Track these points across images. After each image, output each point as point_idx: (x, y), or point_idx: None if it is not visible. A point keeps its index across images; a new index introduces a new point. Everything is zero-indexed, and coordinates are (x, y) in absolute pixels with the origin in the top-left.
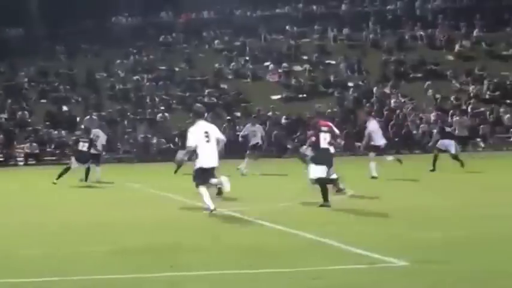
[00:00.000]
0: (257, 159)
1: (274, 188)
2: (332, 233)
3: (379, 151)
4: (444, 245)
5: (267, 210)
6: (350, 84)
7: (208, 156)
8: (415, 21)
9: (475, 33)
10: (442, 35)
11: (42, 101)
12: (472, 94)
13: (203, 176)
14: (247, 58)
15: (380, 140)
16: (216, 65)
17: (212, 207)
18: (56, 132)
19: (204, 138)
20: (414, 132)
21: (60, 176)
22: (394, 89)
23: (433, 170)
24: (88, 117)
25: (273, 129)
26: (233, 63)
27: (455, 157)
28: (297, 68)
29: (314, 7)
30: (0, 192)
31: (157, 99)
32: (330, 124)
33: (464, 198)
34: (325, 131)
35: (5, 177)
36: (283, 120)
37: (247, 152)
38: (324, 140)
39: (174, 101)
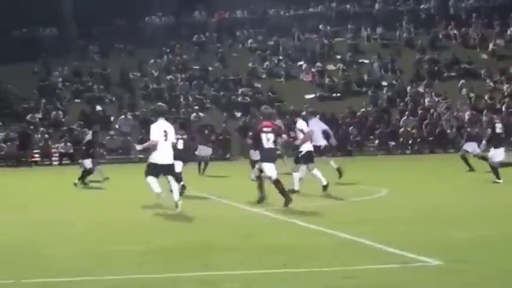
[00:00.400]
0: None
1: (307, 187)
2: (365, 232)
3: (318, 152)
4: (475, 244)
5: (300, 210)
6: (384, 83)
7: (162, 154)
8: (449, 20)
9: (509, 31)
10: (475, 33)
11: (76, 100)
12: (506, 93)
13: (155, 171)
14: (280, 57)
15: (320, 140)
16: (250, 65)
17: (159, 190)
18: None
19: (163, 137)
20: (448, 131)
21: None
22: (427, 88)
23: (471, 170)
24: (123, 116)
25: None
26: (267, 63)
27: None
28: (331, 67)
29: (347, 6)
30: (35, 191)
31: (191, 98)
32: (273, 124)
33: (496, 197)
34: (267, 132)
35: (40, 176)
36: None
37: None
38: (268, 140)
39: (207, 101)
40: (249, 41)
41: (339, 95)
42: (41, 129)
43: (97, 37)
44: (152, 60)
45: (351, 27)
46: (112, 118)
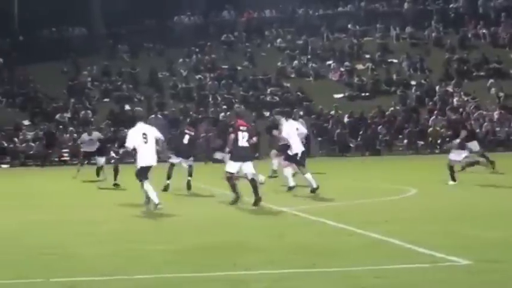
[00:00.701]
0: None
1: (336, 187)
2: (395, 232)
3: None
4: (505, 243)
5: (330, 209)
6: (412, 82)
7: (146, 156)
8: (478, 19)
9: None
10: (505, 33)
11: (105, 100)
12: None
13: (144, 173)
14: (309, 57)
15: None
16: (279, 64)
17: (157, 201)
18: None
19: (143, 140)
20: (477, 130)
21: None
22: (456, 87)
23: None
24: (153, 116)
25: (336, 128)
26: (295, 62)
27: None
28: (360, 66)
29: (376, 5)
30: (63, 191)
31: (219, 98)
32: (247, 124)
33: None
34: (243, 130)
35: (67, 175)
36: (345, 119)
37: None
38: (242, 138)
39: (236, 100)
40: (278, 40)
41: (367, 94)
42: (70, 128)
43: (126, 37)
44: (181, 60)
45: (379, 26)
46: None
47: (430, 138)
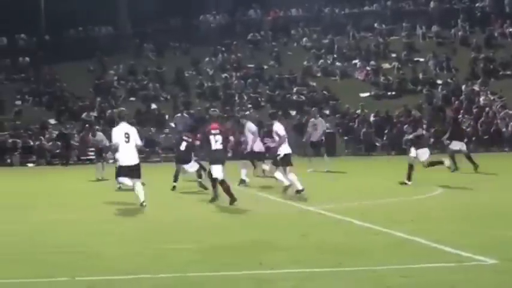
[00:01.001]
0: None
1: (362, 186)
2: (420, 231)
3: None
4: None
5: (356, 208)
6: (439, 81)
7: (126, 155)
8: (504, 18)
9: None
10: None
11: (131, 99)
12: None
13: (124, 172)
14: (335, 56)
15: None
16: (305, 63)
17: (131, 184)
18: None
19: (124, 139)
20: (503, 130)
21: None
22: (483, 86)
23: None
24: (179, 114)
25: (362, 127)
26: (321, 61)
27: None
28: (386, 65)
29: (403, 4)
30: (88, 190)
31: (245, 97)
32: (220, 126)
33: None
34: (215, 133)
35: (91, 174)
36: (371, 118)
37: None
38: (216, 141)
39: (262, 99)
40: (304, 39)
41: (393, 93)
42: (96, 127)
43: (152, 36)
44: (207, 59)
45: (406, 25)
46: (167, 116)
47: None
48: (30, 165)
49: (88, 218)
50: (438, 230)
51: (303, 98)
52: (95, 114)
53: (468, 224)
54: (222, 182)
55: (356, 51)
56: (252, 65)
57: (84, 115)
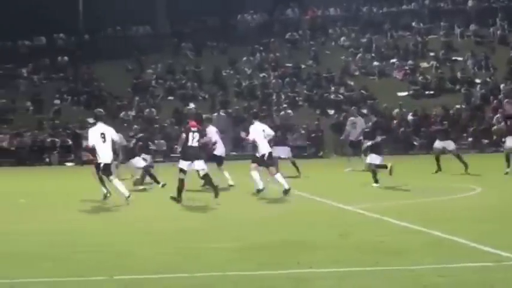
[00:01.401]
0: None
1: (399, 185)
2: (459, 230)
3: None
4: None
5: (393, 207)
6: (477, 80)
7: (103, 154)
8: None
9: None
10: None
11: (170, 98)
12: None
13: (108, 169)
14: (373, 55)
15: (220, 149)
16: (343, 62)
17: (127, 194)
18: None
19: (101, 139)
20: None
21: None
22: None
23: None
24: (216, 114)
25: (400, 126)
26: (359, 60)
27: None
28: (424, 64)
29: (441, 4)
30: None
31: (283, 96)
32: (198, 125)
33: None
34: (194, 131)
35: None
36: (409, 117)
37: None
38: (193, 139)
39: (300, 98)
40: (342, 38)
41: (432, 92)
42: (135, 126)
43: (190, 35)
44: (245, 58)
45: (444, 24)
46: (204, 116)
47: (495, 137)
48: (68, 164)
49: (123, 217)
50: (477, 229)
51: (341, 97)
52: (133, 113)
53: (506, 224)
54: (205, 176)
55: (394, 50)
56: (290, 64)
57: (122, 114)
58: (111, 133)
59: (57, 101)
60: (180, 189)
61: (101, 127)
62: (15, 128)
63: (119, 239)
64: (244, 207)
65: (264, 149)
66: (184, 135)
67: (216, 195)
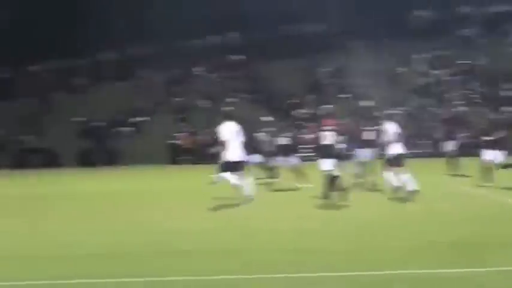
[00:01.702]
0: None
1: None
2: None
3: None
4: None
5: None
6: None
7: (231, 152)
8: None
9: None
10: None
11: (342, 96)
12: None
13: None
14: None
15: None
16: None
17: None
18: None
19: (230, 137)
20: None
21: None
22: None
23: None
24: (390, 111)
25: None
26: None
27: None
28: None
29: None
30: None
31: (457, 93)
32: (334, 124)
33: None
34: (327, 130)
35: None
36: None
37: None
38: (326, 137)
39: (474, 96)
40: None
41: None
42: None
43: (361, 32)
44: (417, 55)
45: None
46: (376, 113)
47: None
48: None
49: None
50: None
51: None
52: (305, 111)
53: None
54: (334, 178)
55: None
56: (463, 62)
57: (295, 112)
58: (239, 132)
59: (231, 100)
60: (329, 187)
61: (230, 125)
62: (191, 126)
63: (279, 237)
64: (422, 204)
65: (393, 149)
66: (320, 133)
67: (343, 198)
